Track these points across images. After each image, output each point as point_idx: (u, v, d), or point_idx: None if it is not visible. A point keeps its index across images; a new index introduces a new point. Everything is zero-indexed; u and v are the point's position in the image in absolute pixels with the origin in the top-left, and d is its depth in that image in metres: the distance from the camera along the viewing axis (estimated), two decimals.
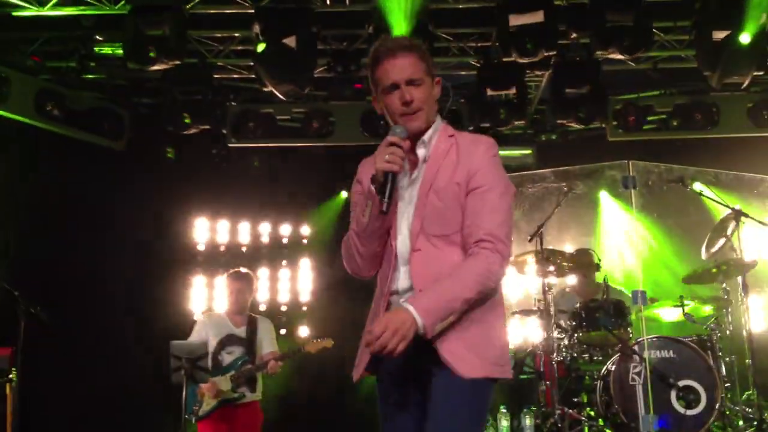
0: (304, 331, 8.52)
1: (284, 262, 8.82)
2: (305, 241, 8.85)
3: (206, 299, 8.54)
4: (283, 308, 8.72)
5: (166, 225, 8.25)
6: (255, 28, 6.98)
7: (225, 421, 5.73)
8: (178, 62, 6.98)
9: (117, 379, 7.39)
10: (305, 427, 7.77)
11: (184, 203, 8.42)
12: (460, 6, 7.33)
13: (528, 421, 5.86)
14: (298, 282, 8.82)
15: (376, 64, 2.71)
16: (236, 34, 7.64)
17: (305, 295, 8.77)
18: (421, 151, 2.75)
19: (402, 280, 2.69)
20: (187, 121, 7.58)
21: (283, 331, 8.40)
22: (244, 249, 8.72)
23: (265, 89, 7.29)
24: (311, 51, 7.20)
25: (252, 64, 7.30)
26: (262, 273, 8.64)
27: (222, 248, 8.68)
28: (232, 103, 8.21)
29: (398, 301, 2.66)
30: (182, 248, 8.51)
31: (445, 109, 2.89)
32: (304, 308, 8.72)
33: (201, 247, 8.64)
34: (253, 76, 7.46)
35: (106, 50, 7.50)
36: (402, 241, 2.69)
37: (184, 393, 5.33)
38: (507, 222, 2.67)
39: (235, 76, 8.09)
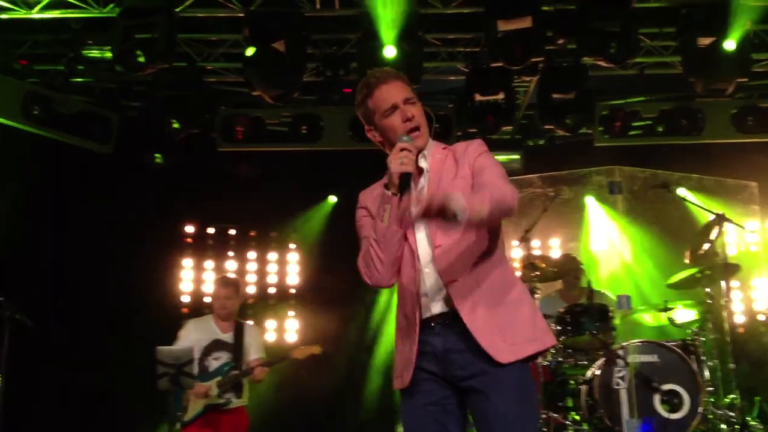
0: (291, 335, 8.52)
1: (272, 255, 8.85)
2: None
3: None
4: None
5: (152, 230, 8.18)
6: (244, 32, 6.99)
7: (210, 427, 5.69)
8: (167, 66, 6.98)
9: (102, 386, 7.36)
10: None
11: (171, 207, 8.37)
12: (449, 11, 7.34)
13: None
14: (286, 273, 8.84)
15: (369, 94, 2.91)
16: (226, 38, 7.65)
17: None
18: (422, 163, 2.93)
19: (429, 280, 2.81)
20: (175, 125, 7.57)
21: (272, 334, 8.42)
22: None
23: (254, 93, 7.30)
24: (300, 55, 7.23)
25: (241, 67, 7.33)
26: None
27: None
28: (222, 107, 8.21)
29: (429, 303, 2.80)
30: (170, 239, 8.51)
31: (431, 131, 3.00)
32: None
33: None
34: (243, 80, 7.46)
35: (95, 53, 7.46)
36: (422, 244, 2.84)
37: (169, 399, 5.32)
38: (508, 179, 2.88)
39: (225, 80, 8.09)
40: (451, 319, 2.77)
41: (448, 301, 2.78)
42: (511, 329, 2.76)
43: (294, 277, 8.84)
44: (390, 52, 6.91)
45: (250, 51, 6.95)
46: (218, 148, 8.11)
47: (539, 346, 2.84)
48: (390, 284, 2.85)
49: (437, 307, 2.80)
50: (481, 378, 2.73)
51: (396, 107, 2.86)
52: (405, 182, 2.73)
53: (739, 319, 7.54)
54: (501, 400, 2.71)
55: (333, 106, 8.17)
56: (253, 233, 8.82)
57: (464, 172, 2.87)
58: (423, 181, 2.91)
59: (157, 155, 8.11)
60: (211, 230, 8.74)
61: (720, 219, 6.20)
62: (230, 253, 8.76)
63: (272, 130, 8.26)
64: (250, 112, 8.15)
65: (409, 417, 2.84)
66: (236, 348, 5.92)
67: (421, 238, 2.85)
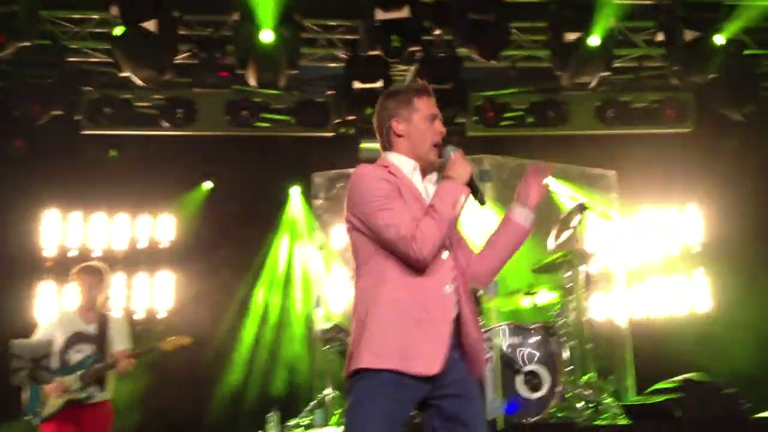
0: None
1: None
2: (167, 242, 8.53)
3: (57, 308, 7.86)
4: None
5: (11, 220, 7.75)
6: (113, 10, 6.73)
7: (71, 422, 5.40)
8: (28, 44, 6.64)
9: None
10: (162, 426, 7.55)
11: (32, 196, 7.92)
12: None
13: None
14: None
15: (419, 95, 3.09)
16: (93, 16, 7.32)
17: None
18: (434, 176, 3.12)
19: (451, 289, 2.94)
20: (37, 106, 7.21)
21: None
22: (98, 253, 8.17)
23: (123, 74, 7.07)
24: (172, 36, 7.06)
25: (109, 47, 7.05)
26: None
27: (73, 252, 8.11)
28: (87, 88, 7.87)
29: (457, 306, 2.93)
30: (29, 249, 7.98)
31: None
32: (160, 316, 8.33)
33: (50, 252, 8.06)
34: (111, 60, 7.19)
35: None
36: (452, 256, 2.98)
37: (25, 394, 5.10)
38: None
39: (91, 60, 7.71)
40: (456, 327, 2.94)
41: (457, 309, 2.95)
42: None
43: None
44: (267, 36, 6.87)
45: (118, 30, 6.72)
46: (83, 131, 7.76)
47: None
48: (428, 265, 2.86)
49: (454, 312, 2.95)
50: (463, 384, 2.91)
51: (435, 118, 3.08)
52: (472, 184, 2.98)
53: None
54: (478, 404, 2.96)
55: (208, 90, 7.96)
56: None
57: None
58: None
59: (16, 138, 7.66)
60: (76, 215, 8.25)
61: (581, 207, 6.49)
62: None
63: (142, 113, 7.98)
64: (119, 93, 7.84)
65: (387, 410, 2.77)
66: (100, 340, 5.62)
67: (448, 246, 2.97)
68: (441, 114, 3.12)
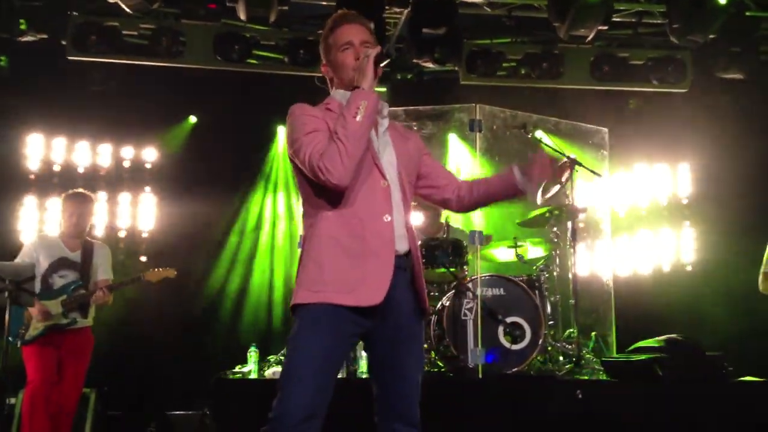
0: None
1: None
2: (148, 166, 8.41)
3: (38, 222, 7.91)
4: (122, 233, 8.25)
5: None
6: None
7: (53, 346, 5.49)
8: None
9: None
10: (142, 354, 7.54)
11: (15, 117, 7.75)
12: None
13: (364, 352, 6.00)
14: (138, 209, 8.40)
15: (333, 29, 3.05)
16: None
17: (147, 224, 8.37)
18: (385, 111, 3.06)
19: (398, 217, 2.89)
20: (23, 27, 6.98)
21: None
22: (81, 170, 8.15)
23: (111, 0, 6.84)
24: None
25: None
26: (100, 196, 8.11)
27: (57, 167, 8.06)
28: (74, 13, 7.60)
29: (396, 239, 2.85)
30: (12, 167, 7.87)
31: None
32: (144, 235, 8.32)
33: (33, 167, 7.97)
34: None
35: None
36: (393, 181, 2.92)
37: (7, 316, 5.10)
38: None
39: None
40: (405, 263, 2.90)
41: (405, 244, 2.91)
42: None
43: (147, 221, 8.36)
44: None
45: None
46: (69, 57, 7.53)
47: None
48: (347, 185, 2.78)
49: (399, 245, 2.87)
50: (407, 331, 2.90)
51: (351, 45, 2.98)
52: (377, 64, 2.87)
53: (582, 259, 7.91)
54: (417, 351, 2.94)
55: (197, 22, 7.72)
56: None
57: (413, 146, 3.10)
58: (382, 122, 3.02)
59: (1, 58, 7.44)
60: (59, 142, 8.12)
61: (571, 162, 6.44)
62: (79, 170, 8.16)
63: (129, 42, 7.73)
64: (106, 20, 7.58)
65: (321, 344, 2.75)
66: (84, 267, 5.69)
67: (392, 182, 2.91)
68: (372, 40, 3.01)
